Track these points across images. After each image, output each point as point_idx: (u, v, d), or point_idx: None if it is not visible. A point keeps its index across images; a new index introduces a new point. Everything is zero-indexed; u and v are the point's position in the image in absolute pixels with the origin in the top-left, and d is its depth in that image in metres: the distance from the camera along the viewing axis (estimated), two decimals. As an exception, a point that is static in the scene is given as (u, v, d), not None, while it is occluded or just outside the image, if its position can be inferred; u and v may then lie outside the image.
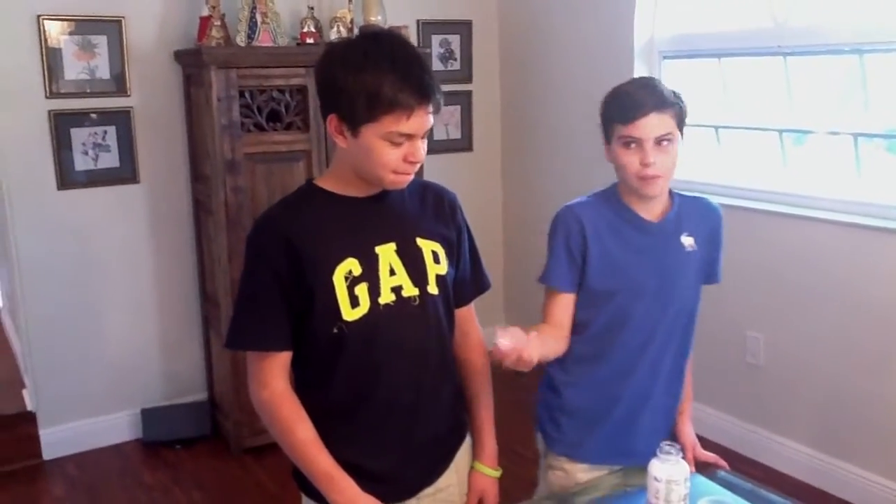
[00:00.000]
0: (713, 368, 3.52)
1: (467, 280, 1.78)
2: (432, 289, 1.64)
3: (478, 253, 1.81)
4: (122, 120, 3.64)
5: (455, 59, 4.53)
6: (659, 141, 1.74)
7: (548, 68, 4.34)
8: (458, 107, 4.56)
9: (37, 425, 3.64)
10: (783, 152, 3.44)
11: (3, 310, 4.85)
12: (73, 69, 3.52)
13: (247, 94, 3.46)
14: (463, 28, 4.53)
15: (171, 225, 3.84)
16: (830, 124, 3.25)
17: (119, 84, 3.61)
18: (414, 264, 1.63)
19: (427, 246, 1.66)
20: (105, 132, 3.62)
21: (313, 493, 1.69)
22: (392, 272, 1.60)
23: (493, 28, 4.64)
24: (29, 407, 3.67)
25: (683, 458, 1.62)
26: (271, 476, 3.47)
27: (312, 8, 3.75)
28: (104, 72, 3.58)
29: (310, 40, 3.68)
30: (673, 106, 1.75)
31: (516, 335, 1.53)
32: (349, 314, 1.56)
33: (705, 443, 2.03)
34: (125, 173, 3.69)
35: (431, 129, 1.57)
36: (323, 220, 1.60)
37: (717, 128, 3.68)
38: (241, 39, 3.50)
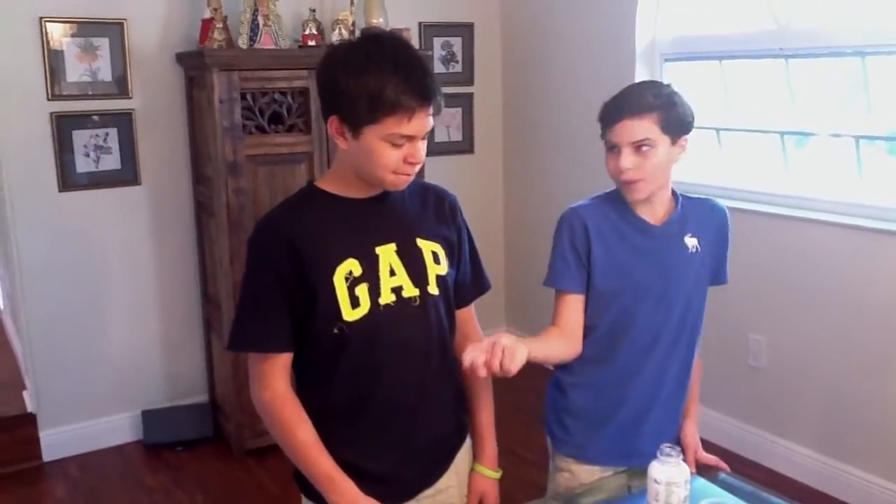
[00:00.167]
0: (715, 371, 3.51)
1: (467, 281, 1.78)
2: (433, 289, 1.65)
3: (478, 254, 1.82)
4: (123, 122, 3.64)
5: (457, 62, 4.53)
6: (637, 146, 1.75)
7: (549, 70, 4.34)
8: (460, 109, 4.57)
9: (37, 427, 3.64)
10: (785, 155, 3.44)
11: (3, 311, 4.84)
12: (75, 71, 3.52)
13: (249, 97, 3.47)
14: (465, 30, 4.53)
15: (172, 227, 3.85)
16: (832, 127, 3.25)
17: (121, 86, 3.62)
18: (414, 265, 1.63)
19: (427, 246, 1.66)
20: (107, 134, 3.62)
21: (314, 495, 1.69)
22: (392, 273, 1.60)
23: (495, 30, 4.64)
24: (29, 408, 3.66)
25: (684, 459, 1.62)
26: (273, 478, 3.46)
27: (314, 10, 3.75)
28: (106, 74, 3.58)
29: (311, 42, 3.68)
30: (656, 110, 1.75)
31: (480, 349, 1.53)
32: (349, 314, 1.56)
33: (707, 445, 2.03)
34: (127, 175, 3.69)
35: (432, 131, 1.58)
36: (324, 222, 1.60)
37: (718, 130, 3.68)
38: (242, 42, 3.50)
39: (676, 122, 1.77)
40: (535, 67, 4.45)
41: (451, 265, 1.70)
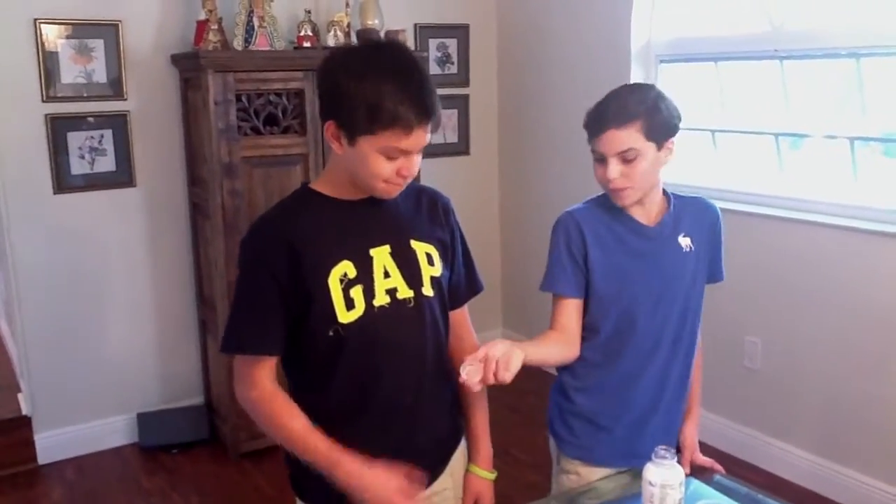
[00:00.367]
0: (711, 373, 3.47)
1: (461, 282, 1.78)
2: (427, 291, 1.64)
3: (471, 255, 1.82)
4: (118, 124, 3.64)
5: (452, 63, 4.54)
6: (623, 155, 1.75)
7: (545, 72, 4.35)
8: (455, 110, 4.57)
9: (32, 429, 3.63)
10: (780, 156, 3.44)
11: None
12: (70, 73, 3.51)
13: (244, 98, 3.47)
14: (460, 32, 4.53)
15: (167, 229, 3.84)
16: (827, 128, 3.25)
17: (116, 88, 3.61)
18: (408, 266, 1.63)
19: (421, 248, 1.66)
20: (102, 136, 3.61)
21: (309, 497, 1.70)
22: (387, 274, 1.60)
23: (491, 32, 4.64)
24: (24, 411, 3.66)
25: (679, 461, 1.62)
26: (269, 480, 3.46)
27: (310, 12, 3.75)
28: (101, 76, 3.58)
29: (307, 44, 3.68)
30: (640, 118, 1.74)
31: (476, 368, 1.54)
32: (344, 316, 1.56)
33: (703, 447, 2.03)
34: (122, 177, 3.69)
35: None
36: (319, 224, 1.60)
37: (713, 131, 3.68)
38: (238, 43, 3.50)
39: (661, 128, 1.77)
40: (530, 69, 4.45)
41: (444, 266, 1.70)
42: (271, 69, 3.50)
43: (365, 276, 1.58)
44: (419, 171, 1.62)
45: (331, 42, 3.74)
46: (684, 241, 1.88)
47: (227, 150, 3.42)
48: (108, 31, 3.56)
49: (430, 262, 1.66)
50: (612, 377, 1.89)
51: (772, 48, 3.31)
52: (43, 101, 3.48)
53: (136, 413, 3.84)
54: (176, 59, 3.69)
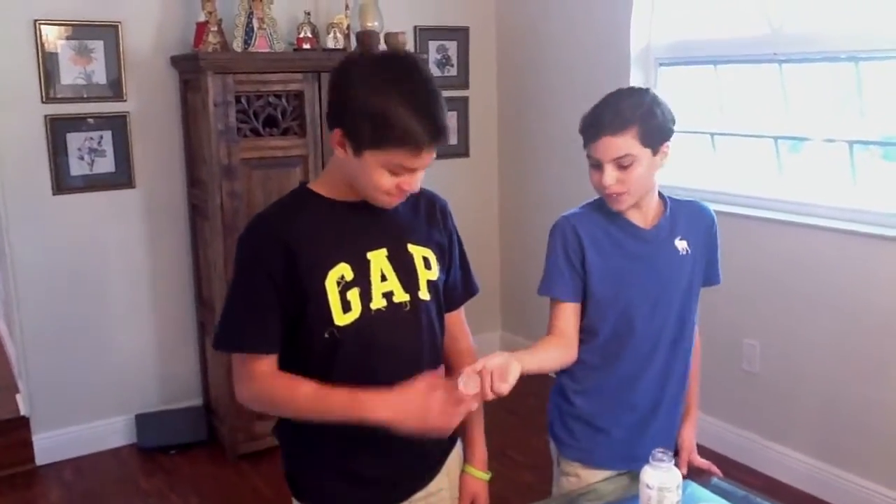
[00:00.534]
0: (709, 376, 3.48)
1: (457, 285, 1.79)
2: (423, 294, 1.65)
3: (467, 257, 1.82)
4: (118, 125, 3.64)
5: (452, 66, 4.54)
6: (619, 161, 1.75)
7: (544, 75, 4.35)
8: (455, 113, 4.57)
9: (30, 430, 3.63)
10: (779, 159, 3.45)
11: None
12: (70, 74, 3.52)
13: (243, 100, 3.47)
14: (460, 34, 4.53)
15: (166, 230, 3.84)
16: (826, 132, 3.25)
17: (115, 89, 3.62)
18: (405, 270, 1.63)
19: (418, 252, 1.66)
20: (101, 137, 3.62)
21: (306, 496, 1.70)
22: (383, 278, 1.60)
23: (491, 34, 4.65)
24: (22, 412, 3.66)
25: (676, 464, 1.63)
26: (267, 482, 3.46)
27: (309, 14, 3.75)
28: (101, 77, 3.58)
29: (306, 46, 3.68)
30: (635, 124, 1.74)
31: (475, 380, 1.52)
32: (341, 319, 1.55)
33: (701, 450, 2.03)
34: (121, 178, 3.69)
35: None
36: (317, 225, 1.59)
37: (712, 135, 3.68)
38: (237, 45, 3.50)
39: (657, 133, 1.77)
40: (530, 71, 4.45)
41: (441, 270, 1.70)
42: (271, 71, 3.50)
43: (362, 280, 1.58)
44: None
45: (330, 44, 3.74)
46: (680, 244, 1.88)
47: (227, 152, 3.43)
48: (108, 32, 3.56)
49: (427, 266, 1.67)
50: (610, 379, 1.89)
51: (771, 51, 3.31)
52: (42, 102, 3.48)
53: (134, 414, 3.84)
54: (175, 61, 3.69)
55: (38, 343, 3.61)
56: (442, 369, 1.75)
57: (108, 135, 3.63)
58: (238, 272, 1.60)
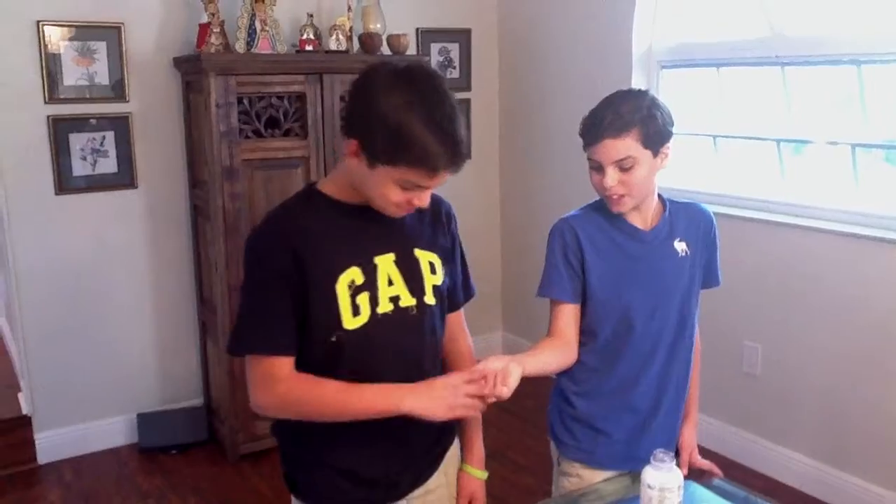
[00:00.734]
0: (711, 377, 3.50)
1: (458, 288, 1.80)
2: (429, 299, 1.65)
3: (466, 261, 1.83)
4: (120, 126, 3.65)
5: (454, 67, 4.54)
6: (620, 164, 1.75)
7: (546, 77, 4.35)
8: (457, 114, 4.56)
9: (32, 429, 3.63)
10: (781, 162, 3.45)
11: None
12: (73, 75, 3.52)
13: (245, 101, 3.47)
14: (462, 36, 4.54)
15: (168, 231, 3.85)
16: (828, 134, 3.26)
17: (118, 90, 3.62)
18: (411, 275, 1.63)
19: (424, 257, 1.66)
20: (104, 138, 3.62)
21: (304, 494, 1.71)
22: (390, 282, 1.60)
23: (492, 36, 4.65)
24: (24, 411, 3.66)
25: (677, 464, 1.63)
26: (267, 482, 3.46)
27: (312, 15, 3.76)
28: (103, 78, 3.59)
29: (309, 47, 3.69)
30: (636, 126, 1.74)
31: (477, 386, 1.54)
32: (350, 323, 1.55)
33: (702, 451, 2.04)
34: (123, 179, 3.69)
35: None
36: (326, 227, 1.58)
37: (714, 137, 3.68)
38: (240, 46, 3.51)
39: (657, 135, 1.77)
40: (532, 74, 4.46)
41: (445, 274, 1.71)
42: (273, 72, 3.50)
43: (370, 284, 1.58)
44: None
45: (332, 46, 3.74)
46: (680, 246, 1.88)
47: (229, 153, 3.43)
48: (111, 33, 3.57)
49: (433, 270, 1.67)
50: (611, 381, 1.90)
51: (773, 54, 3.31)
52: (45, 103, 3.48)
53: (135, 414, 3.85)
54: (178, 62, 3.70)
55: (39, 342, 3.62)
56: (441, 370, 1.76)
57: (110, 135, 3.63)
58: (249, 275, 1.59)
